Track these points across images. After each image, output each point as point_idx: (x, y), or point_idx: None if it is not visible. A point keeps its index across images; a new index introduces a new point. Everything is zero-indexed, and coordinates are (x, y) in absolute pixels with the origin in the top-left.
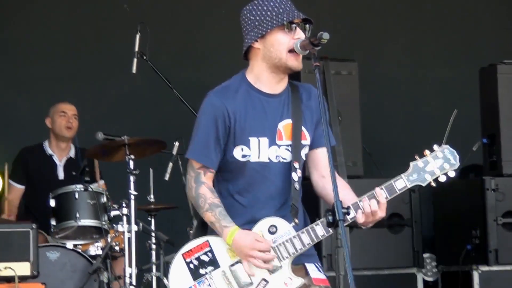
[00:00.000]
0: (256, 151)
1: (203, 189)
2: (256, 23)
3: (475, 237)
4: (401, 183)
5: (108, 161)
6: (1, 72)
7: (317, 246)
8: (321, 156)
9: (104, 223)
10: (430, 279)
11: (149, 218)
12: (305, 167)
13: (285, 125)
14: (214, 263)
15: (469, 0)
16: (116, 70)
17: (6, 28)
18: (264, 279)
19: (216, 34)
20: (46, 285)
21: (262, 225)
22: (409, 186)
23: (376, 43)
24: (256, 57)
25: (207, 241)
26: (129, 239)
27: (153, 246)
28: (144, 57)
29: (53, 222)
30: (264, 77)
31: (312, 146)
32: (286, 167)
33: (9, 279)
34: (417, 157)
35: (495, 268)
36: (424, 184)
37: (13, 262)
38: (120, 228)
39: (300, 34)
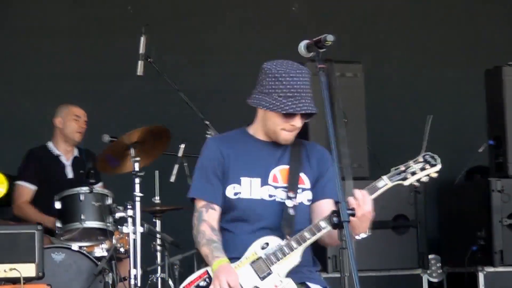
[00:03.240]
0: (247, 189)
1: (203, 226)
2: (266, 91)
3: (480, 238)
4: (382, 182)
5: (118, 173)
6: (7, 74)
7: (321, 247)
8: (324, 207)
9: (109, 224)
10: (435, 280)
11: (154, 220)
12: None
13: (281, 170)
14: (209, 285)
15: (475, 2)
16: (122, 73)
17: (11, 31)
18: (256, 286)
19: (221, 36)
20: (52, 287)
21: (257, 244)
22: (390, 184)
23: (382, 45)
24: (258, 114)
25: (206, 270)
26: (134, 240)
27: (158, 248)
28: (149, 60)
29: (58, 224)
30: (261, 132)
31: (315, 198)
32: (283, 206)
33: (14, 281)
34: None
35: (500, 269)
36: (405, 183)
37: (19, 263)
38: (125, 229)
39: (296, 122)
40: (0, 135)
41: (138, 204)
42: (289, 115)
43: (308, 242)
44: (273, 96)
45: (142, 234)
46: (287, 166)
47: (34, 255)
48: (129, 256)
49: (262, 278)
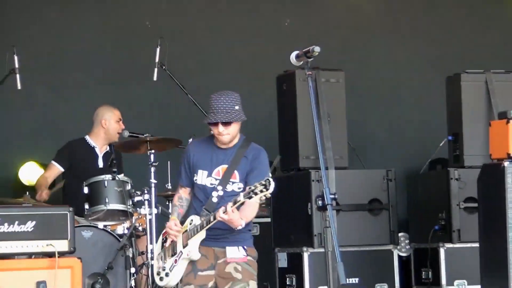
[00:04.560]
0: (200, 178)
1: (175, 197)
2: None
3: (441, 219)
4: (239, 198)
5: (132, 153)
6: (44, 80)
7: (308, 226)
8: None
9: (129, 207)
10: (404, 254)
11: (167, 203)
12: None
13: (222, 168)
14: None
15: (438, 20)
16: (140, 78)
17: (47, 44)
18: (181, 251)
19: (224, 47)
20: (81, 259)
21: (189, 219)
22: (243, 200)
23: (360, 55)
24: None
25: None
26: (150, 220)
27: None
28: (164, 67)
29: (86, 206)
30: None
31: (246, 185)
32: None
33: (50, 255)
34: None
35: (458, 245)
36: (249, 199)
37: (54, 240)
38: (142, 211)
39: (218, 129)
40: (39, 132)
41: (153, 190)
42: (213, 124)
43: (207, 227)
44: (208, 113)
45: (156, 215)
46: (226, 166)
47: (67, 233)
48: (146, 234)
49: (183, 246)
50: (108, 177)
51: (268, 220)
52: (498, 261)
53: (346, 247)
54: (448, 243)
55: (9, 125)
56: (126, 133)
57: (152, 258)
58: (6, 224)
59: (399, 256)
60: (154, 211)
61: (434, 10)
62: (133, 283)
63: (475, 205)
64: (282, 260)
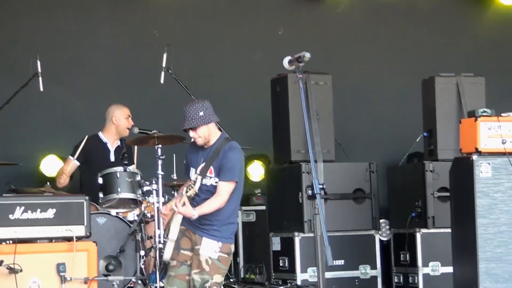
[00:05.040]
0: (191, 174)
1: (182, 186)
2: None
3: (417, 207)
4: (184, 194)
5: (142, 147)
6: (64, 83)
7: (299, 213)
8: (218, 186)
9: (139, 196)
10: (384, 238)
11: (173, 192)
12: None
13: (203, 164)
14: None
15: (415, 29)
16: (148, 81)
17: (66, 51)
18: (168, 232)
19: (225, 53)
20: (96, 243)
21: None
22: (186, 195)
23: (346, 60)
24: None
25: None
26: (158, 208)
27: None
28: (170, 71)
29: (100, 195)
30: None
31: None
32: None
33: (69, 239)
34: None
35: (432, 230)
36: (187, 195)
37: (72, 225)
38: (151, 199)
39: (190, 134)
40: (59, 129)
41: (160, 180)
42: (186, 130)
43: (176, 213)
44: None
45: (163, 203)
46: (205, 163)
47: (83, 219)
48: (154, 220)
49: (168, 229)
50: (120, 169)
51: (264, 208)
52: (468, 244)
53: (333, 232)
54: (424, 229)
55: (32, 122)
56: (136, 130)
57: (159, 242)
58: (29, 211)
59: (380, 240)
60: (161, 199)
61: (412, 20)
62: (142, 264)
63: (448, 194)
64: (276, 243)
